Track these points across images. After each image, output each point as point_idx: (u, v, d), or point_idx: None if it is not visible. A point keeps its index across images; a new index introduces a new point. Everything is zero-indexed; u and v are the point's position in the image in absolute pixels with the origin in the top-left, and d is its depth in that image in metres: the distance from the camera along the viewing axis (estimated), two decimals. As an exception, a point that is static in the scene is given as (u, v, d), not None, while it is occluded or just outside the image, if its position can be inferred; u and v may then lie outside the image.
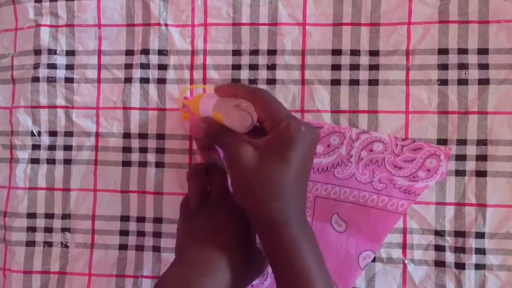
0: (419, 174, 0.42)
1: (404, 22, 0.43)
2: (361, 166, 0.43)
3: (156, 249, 0.45)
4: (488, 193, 0.42)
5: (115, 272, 0.46)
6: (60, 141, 0.47)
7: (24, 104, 0.47)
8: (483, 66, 0.42)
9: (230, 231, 0.36)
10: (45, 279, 0.46)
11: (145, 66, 0.46)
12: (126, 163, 0.46)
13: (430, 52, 0.43)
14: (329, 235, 0.43)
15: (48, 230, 0.47)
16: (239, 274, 0.35)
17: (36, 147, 0.47)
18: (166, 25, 0.45)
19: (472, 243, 0.42)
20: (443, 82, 0.42)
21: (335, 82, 0.44)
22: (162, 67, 0.46)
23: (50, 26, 0.47)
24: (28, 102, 0.47)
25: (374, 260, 0.43)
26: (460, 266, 0.42)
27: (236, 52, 0.45)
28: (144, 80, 0.46)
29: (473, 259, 0.42)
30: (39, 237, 0.47)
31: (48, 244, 0.47)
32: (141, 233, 0.46)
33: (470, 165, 0.42)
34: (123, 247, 0.46)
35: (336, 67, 0.44)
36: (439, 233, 0.43)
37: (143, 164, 0.46)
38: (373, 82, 0.43)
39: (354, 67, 0.43)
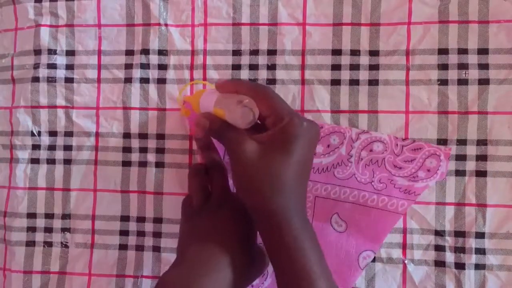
0: (419, 174, 0.42)
1: (404, 22, 0.43)
2: (361, 166, 0.43)
3: (156, 249, 0.45)
4: (488, 193, 0.42)
5: (115, 272, 0.46)
6: (60, 141, 0.47)
7: (24, 104, 0.47)
8: (483, 66, 0.42)
9: (231, 231, 0.36)
10: (45, 279, 0.46)
11: (145, 66, 0.46)
12: (126, 163, 0.46)
13: (430, 52, 0.43)
14: (329, 235, 0.43)
15: (48, 230, 0.47)
16: (240, 273, 0.35)
17: (36, 147, 0.47)
18: (166, 25, 0.45)
19: (472, 243, 0.42)
20: (443, 82, 0.42)
21: (335, 82, 0.44)
22: (162, 67, 0.46)
23: (50, 26, 0.47)
24: (28, 102, 0.47)
25: (374, 260, 0.43)
26: (460, 266, 0.42)
27: (236, 52, 0.45)
28: (144, 80, 0.46)
29: (473, 259, 0.42)
30: (39, 237, 0.47)
31: (48, 244, 0.47)
32: (141, 233, 0.46)
33: (470, 165, 0.42)
34: (123, 247, 0.46)
35: (336, 67, 0.44)
36: (439, 233, 0.43)
37: (143, 164, 0.46)
38: (373, 82, 0.43)
39: (354, 67, 0.43)
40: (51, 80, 0.47)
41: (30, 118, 0.47)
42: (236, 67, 0.45)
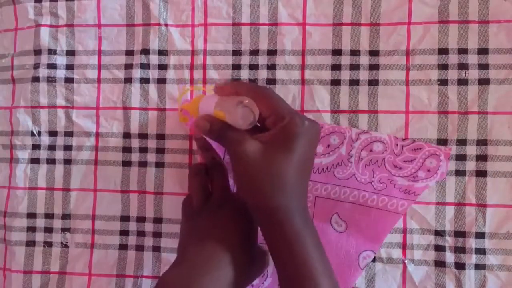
0: (419, 174, 0.42)
1: (404, 22, 0.43)
2: (361, 166, 0.43)
3: (156, 249, 0.45)
4: (488, 193, 0.42)
5: (115, 272, 0.46)
6: (60, 141, 0.47)
7: (24, 104, 0.47)
8: (483, 66, 0.42)
9: (231, 231, 0.36)
10: (45, 279, 0.46)
11: (145, 66, 0.46)
12: (126, 163, 0.46)
13: (430, 52, 0.43)
14: (329, 235, 0.43)
15: (48, 230, 0.47)
16: (240, 273, 0.35)
17: (36, 147, 0.47)
18: (166, 25, 0.45)
19: (472, 243, 0.42)
20: (443, 82, 0.42)
21: (335, 82, 0.44)
22: (162, 67, 0.46)
23: (50, 26, 0.47)
24: (28, 102, 0.47)
25: (374, 260, 0.43)
26: (460, 266, 0.42)
27: (236, 52, 0.45)
28: (144, 80, 0.46)
29: (473, 259, 0.42)
30: (39, 237, 0.47)
31: (48, 244, 0.47)
32: (141, 233, 0.46)
33: (470, 165, 0.42)
34: (123, 247, 0.46)
35: (336, 67, 0.44)
36: (439, 233, 0.43)
37: (143, 164, 0.46)
38: (373, 82, 0.43)
39: (354, 67, 0.43)
40: (51, 80, 0.47)
41: (30, 118, 0.47)
42: (236, 67, 0.45)
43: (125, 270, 0.46)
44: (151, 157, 0.45)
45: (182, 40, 0.45)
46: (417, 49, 0.43)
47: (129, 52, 0.46)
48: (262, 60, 0.45)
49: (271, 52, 0.44)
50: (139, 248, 0.46)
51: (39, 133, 0.47)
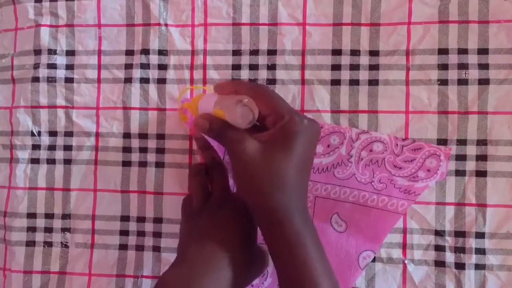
0: (419, 174, 0.42)
1: (404, 22, 0.43)
2: (361, 166, 0.43)
3: (156, 249, 0.45)
4: (488, 193, 0.42)
5: (115, 272, 0.46)
6: (60, 141, 0.47)
7: (24, 104, 0.47)
8: (483, 66, 0.42)
9: (231, 231, 0.36)
10: (45, 279, 0.46)
11: (145, 66, 0.46)
12: (126, 163, 0.46)
13: (430, 52, 0.43)
14: (329, 235, 0.43)
15: (48, 230, 0.47)
16: (240, 273, 0.35)
17: (36, 147, 0.47)
18: (166, 25, 0.45)
19: (472, 243, 0.42)
20: (443, 82, 0.42)
21: (335, 82, 0.44)
22: (162, 67, 0.46)
23: (50, 26, 0.47)
24: (28, 102, 0.47)
25: (374, 260, 0.43)
26: (460, 266, 0.42)
27: (236, 52, 0.45)
28: (144, 80, 0.46)
29: (473, 259, 0.42)
30: (39, 237, 0.47)
31: (48, 244, 0.47)
32: (141, 233, 0.46)
33: (470, 165, 0.42)
34: (123, 247, 0.46)
35: (336, 67, 0.44)
36: (439, 233, 0.43)
37: (143, 164, 0.46)
38: (373, 82, 0.43)
39: (354, 67, 0.43)
40: (51, 80, 0.47)
41: (30, 118, 0.47)
42: (236, 67, 0.45)
43: (125, 270, 0.46)
44: (151, 157, 0.45)
45: (182, 40, 0.45)
46: (417, 49, 0.43)
47: (129, 52, 0.46)
48: (262, 60, 0.45)
49: (271, 52, 0.44)
50: (139, 248, 0.46)
51: (39, 133, 0.47)
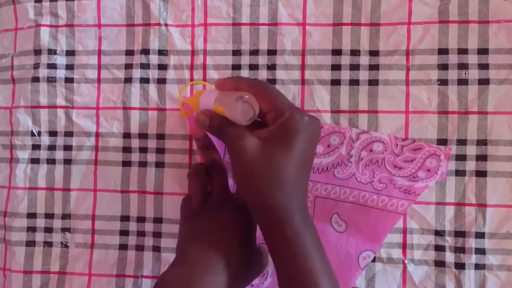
0: (419, 174, 0.42)
1: (404, 22, 0.43)
2: (361, 166, 0.43)
3: (156, 249, 0.45)
4: (488, 193, 0.42)
5: (115, 272, 0.46)
6: (60, 141, 0.47)
7: (24, 104, 0.47)
8: (483, 66, 0.42)
9: (230, 231, 0.36)
10: (45, 279, 0.46)
11: (145, 66, 0.46)
12: (126, 163, 0.46)
13: (430, 52, 0.43)
14: (329, 235, 0.43)
15: (48, 230, 0.47)
16: (239, 274, 0.35)
17: (36, 147, 0.47)
18: (166, 25, 0.45)
19: (472, 243, 0.42)
20: (443, 82, 0.42)
21: (335, 82, 0.44)
22: (162, 67, 0.46)
23: (50, 26, 0.47)
24: (28, 102, 0.47)
25: (374, 260, 0.43)
26: (460, 266, 0.42)
27: (236, 52, 0.45)
28: (144, 80, 0.46)
29: (473, 259, 0.42)
30: (39, 237, 0.47)
31: (48, 244, 0.47)
32: (141, 233, 0.46)
33: (470, 165, 0.42)
34: (123, 247, 0.46)
35: (336, 67, 0.44)
36: (439, 233, 0.43)
37: (143, 164, 0.46)
38: (373, 82, 0.43)
39: (354, 67, 0.43)
40: (51, 80, 0.47)
41: (30, 118, 0.47)
42: (236, 67, 0.45)
43: (125, 270, 0.46)
44: (151, 157, 0.45)
45: (182, 40, 0.45)
46: (417, 49, 0.43)
47: (129, 52, 0.46)
48: (262, 60, 0.45)
49: (271, 52, 0.44)
50: (139, 248, 0.46)
51: (39, 133, 0.47)
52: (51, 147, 0.47)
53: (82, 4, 0.46)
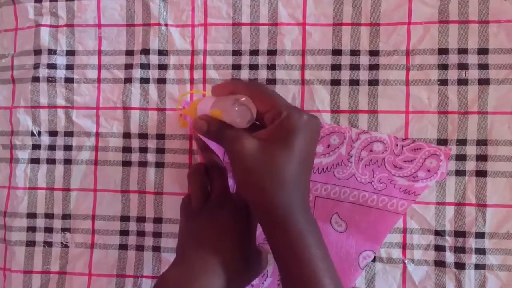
0: (419, 174, 0.42)
1: (404, 22, 0.43)
2: (361, 166, 0.43)
3: (156, 249, 0.45)
4: (488, 193, 0.42)
5: (115, 272, 0.46)
6: (60, 141, 0.47)
7: (24, 104, 0.47)
8: (483, 66, 0.42)
9: (230, 232, 0.36)
10: (45, 279, 0.46)
11: (145, 66, 0.46)
12: (126, 163, 0.46)
13: (430, 52, 0.43)
14: (329, 235, 0.43)
15: (48, 230, 0.47)
16: (239, 274, 0.35)
17: (36, 147, 0.47)
18: (166, 25, 0.45)
19: (472, 243, 0.42)
20: (443, 82, 0.42)
21: (335, 82, 0.44)
22: (162, 67, 0.46)
23: (50, 26, 0.47)
24: (28, 102, 0.47)
25: (374, 260, 0.43)
26: (460, 266, 0.42)
27: (236, 52, 0.45)
28: (144, 80, 0.46)
29: (473, 259, 0.42)
30: (39, 237, 0.47)
31: (48, 244, 0.47)
32: (141, 233, 0.46)
33: (470, 165, 0.42)
34: (123, 247, 0.46)
35: (336, 67, 0.44)
36: (439, 233, 0.43)
37: (143, 164, 0.46)
38: (373, 82, 0.43)
39: (354, 67, 0.43)
40: (51, 80, 0.47)
41: (30, 118, 0.47)
42: (236, 67, 0.45)
43: (125, 270, 0.46)
44: (151, 157, 0.46)
45: (182, 40, 0.45)
46: (417, 49, 0.43)
47: (129, 52, 0.46)
48: (262, 60, 0.45)
49: (271, 52, 0.44)
50: (139, 248, 0.46)
51: (39, 133, 0.47)
52: (51, 147, 0.47)
53: (82, 4, 0.46)
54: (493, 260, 0.42)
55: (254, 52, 0.45)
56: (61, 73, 0.47)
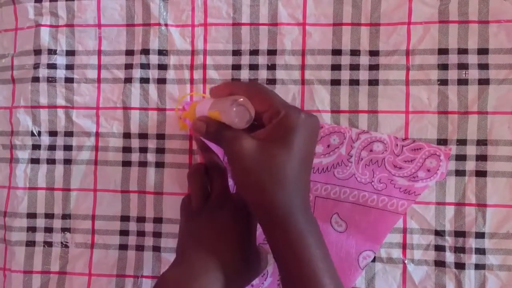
0: (419, 174, 0.42)
1: (404, 22, 0.43)
2: (361, 166, 0.43)
3: (156, 249, 0.45)
4: (488, 193, 0.42)
5: (115, 272, 0.46)
6: (60, 141, 0.47)
7: (24, 104, 0.47)
8: (483, 66, 0.42)
9: (230, 232, 0.36)
10: (45, 279, 0.46)
11: (145, 66, 0.46)
12: (126, 163, 0.46)
13: (430, 52, 0.43)
14: (329, 235, 0.43)
15: (48, 230, 0.47)
16: (238, 274, 0.35)
17: (36, 147, 0.47)
18: (166, 25, 0.45)
19: (472, 243, 0.42)
20: (443, 82, 0.42)
21: (335, 82, 0.44)
22: (162, 67, 0.46)
23: (50, 26, 0.47)
24: (28, 102, 0.47)
25: (374, 260, 0.43)
26: (460, 266, 0.42)
27: (236, 52, 0.45)
28: (144, 80, 0.46)
29: (473, 259, 0.42)
30: (39, 237, 0.47)
31: (48, 244, 0.47)
32: (141, 233, 0.46)
33: (470, 165, 0.42)
34: (123, 247, 0.46)
35: (336, 67, 0.44)
36: (439, 233, 0.43)
37: (143, 164, 0.46)
38: (373, 82, 0.43)
39: (354, 67, 0.43)
40: (51, 80, 0.47)
41: (30, 118, 0.47)
42: (236, 67, 0.45)
43: (125, 270, 0.46)
44: (151, 157, 0.46)
45: (182, 40, 0.45)
46: (417, 49, 0.43)
47: (129, 52, 0.46)
48: (262, 60, 0.45)
49: (271, 52, 0.44)
50: (139, 248, 0.46)
51: (39, 133, 0.47)
52: (51, 147, 0.47)
53: (82, 4, 0.46)
54: (493, 260, 0.42)
55: (254, 52, 0.45)
56: (61, 73, 0.47)
